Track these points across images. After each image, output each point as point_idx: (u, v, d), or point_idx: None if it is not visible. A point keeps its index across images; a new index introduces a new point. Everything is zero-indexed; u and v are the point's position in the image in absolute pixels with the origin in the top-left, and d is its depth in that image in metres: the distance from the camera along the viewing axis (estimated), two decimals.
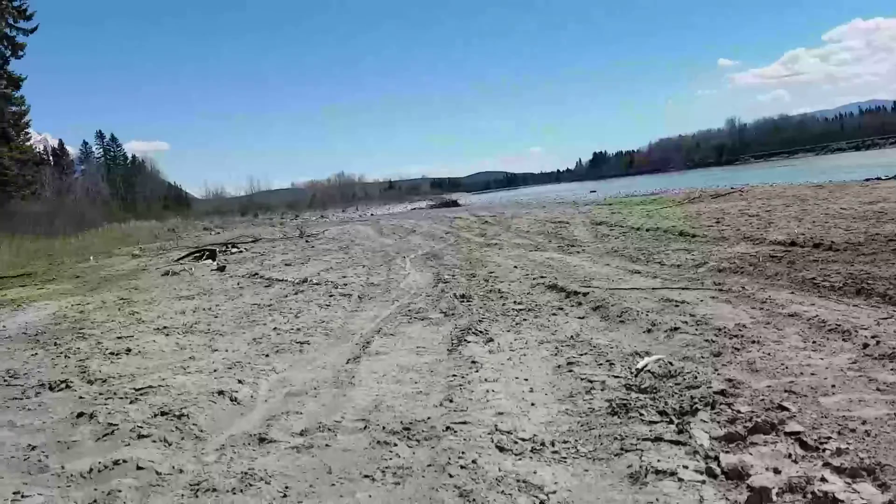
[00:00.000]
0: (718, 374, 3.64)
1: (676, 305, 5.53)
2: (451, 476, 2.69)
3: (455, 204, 52.75)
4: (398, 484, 2.71)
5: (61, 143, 68.20)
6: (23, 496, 2.84)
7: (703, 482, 2.46)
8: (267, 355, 5.22)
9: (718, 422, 2.97)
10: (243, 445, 3.30)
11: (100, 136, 77.23)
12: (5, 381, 5.01)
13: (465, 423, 3.30)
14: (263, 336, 5.93)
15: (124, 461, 3.13)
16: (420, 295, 7.54)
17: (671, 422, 3.03)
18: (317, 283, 9.12)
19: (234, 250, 17.26)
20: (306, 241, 18.86)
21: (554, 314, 5.80)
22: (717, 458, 2.61)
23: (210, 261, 14.70)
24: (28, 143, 41.91)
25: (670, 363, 3.89)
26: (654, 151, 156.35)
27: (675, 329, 4.71)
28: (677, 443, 2.82)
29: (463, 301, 6.83)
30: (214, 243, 20.40)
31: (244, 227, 36.52)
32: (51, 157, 60.97)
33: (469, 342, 5.04)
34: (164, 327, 6.70)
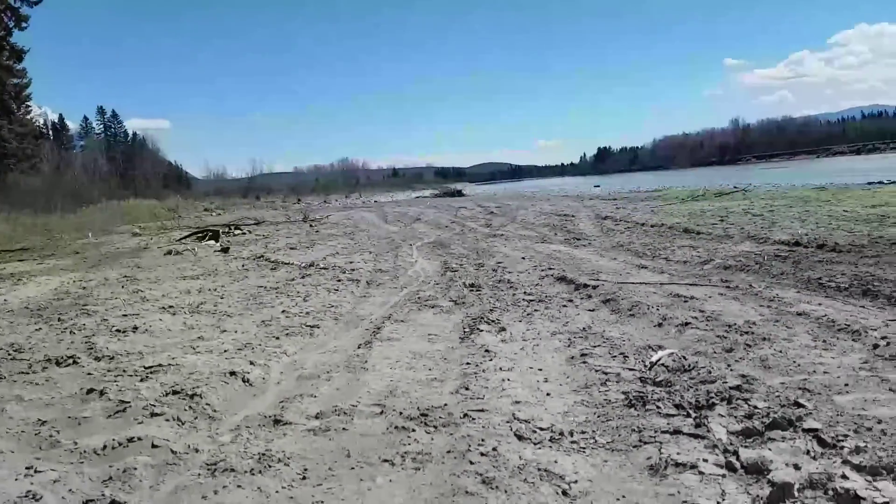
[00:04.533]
0: (732, 370, 3.66)
1: (685, 301, 5.53)
2: (471, 463, 2.70)
3: (460, 194, 52.52)
4: (418, 469, 2.71)
5: (61, 118, 68.07)
6: (36, 471, 2.81)
7: (724, 476, 2.48)
8: (277, 338, 5.22)
9: (735, 417, 2.99)
10: (259, 427, 3.30)
11: (100, 111, 77.03)
12: (10, 355, 4.97)
13: (482, 410, 3.31)
14: (272, 318, 5.93)
15: (138, 439, 3.13)
16: (429, 283, 7.54)
17: (688, 415, 3.04)
18: (324, 268, 9.13)
19: (237, 232, 17.25)
20: (310, 226, 18.85)
21: (564, 306, 5.81)
22: (736, 453, 2.62)
23: (213, 241, 14.68)
24: (28, 117, 41.48)
25: (684, 357, 3.91)
26: (658, 149, 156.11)
27: (686, 324, 4.73)
28: (696, 436, 2.83)
29: (472, 290, 6.83)
30: (216, 224, 20.36)
31: (246, 210, 36.53)
32: (50, 132, 60.73)
33: (481, 331, 5.04)
34: (170, 306, 6.68)
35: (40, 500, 2.52)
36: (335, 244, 12.90)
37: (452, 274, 8.05)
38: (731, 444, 2.72)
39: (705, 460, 2.59)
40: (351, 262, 9.72)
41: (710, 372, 3.63)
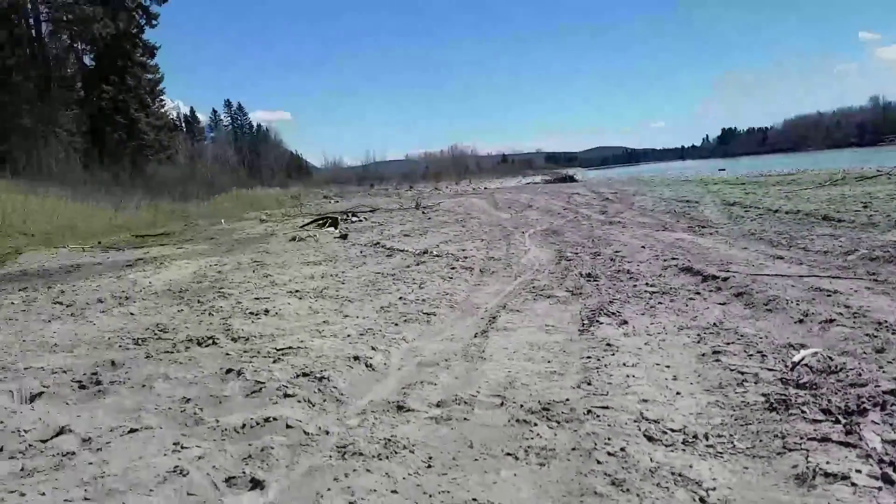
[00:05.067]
0: (885, 373, 3.34)
1: (828, 295, 5.12)
2: (598, 462, 2.61)
3: (571, 179, 51.34)
4: (543, 465, 2.66)
5: (193, 111, 72.48)
6: (182, 447, 2.97)
7: (880, 489, 2.26)
8: (396, 324, 5.30)
9: (891, 424, 2.72)
10: (383, 412, 3.35)
11: (227, 104, 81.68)
12: (156, 335, 5.29)
13: (606, 407, 3.20)
14: (390, 305, 6.03)
15: (274, 419, 3.24)
16: (543, 272, 7.43)
17: (837, 421, 2.80)
18: (437, 255, 9.20)
19: (354, 219, 17.74)
20: (423, 213, 19.09)
21: (691, 299, 5.53)
22: (893, 464, 2.39)
23: (332, 228, 15.18)
24: (163, 110, 44.34)
25: (830, 358, 3.61)
26: (789, 129, 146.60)
27: (831, 321, 4.37)
28: (846, 444, 2.60)
29: (589, 280, 6.66)
30: (335, 211, 21.05)
31: (361, 197, 37.53)
32: (183, 125, 64.83)
33: (601, 323, 4.90)
34: (297, 290, 6.94)
35: (187, 475, 2.66)
36: (447, 231, 12.99)
37: (567, 263, 7.89)
38: (887, 454, 2.48)
39: (858, 471, 2.38)
40: (463, 250, 9.74)
41: (860, 374, 3.33)
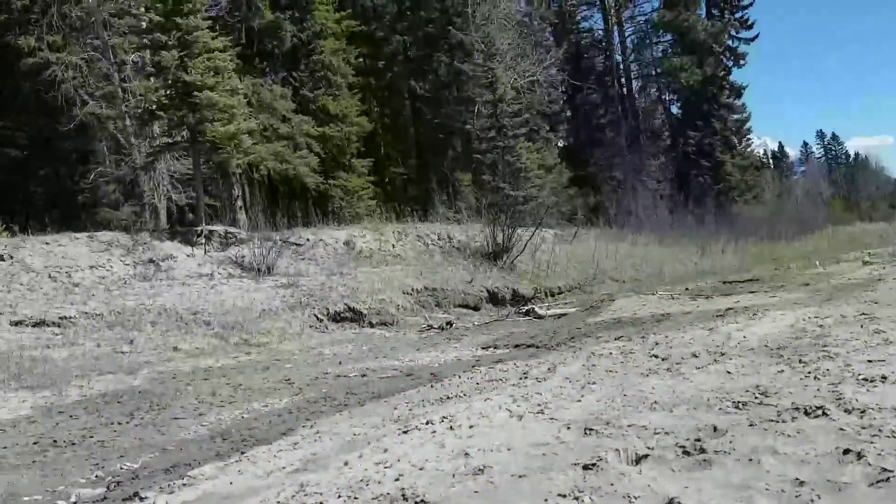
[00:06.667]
0: None
1: None
2: None
3: None
4: None
5: (781, 146, 70.30)
6: None
7: None
8: None
9: None
10: None
11: (820, 135, 76.66)
12: (756, 398, 4.92)
13: None
14: None
15: None
16: None
17: None
18: None
19: None
20: None
21: None
22: None
23: None
24: (749, 149, 44.15)
25: None
26: None
27: None
28: None
29: None
30: None
31: None
32: (770, 161, 63.27)
33: None
34: None
35: None
36: None
37: None
38: None
39: None
40: None
41: None
